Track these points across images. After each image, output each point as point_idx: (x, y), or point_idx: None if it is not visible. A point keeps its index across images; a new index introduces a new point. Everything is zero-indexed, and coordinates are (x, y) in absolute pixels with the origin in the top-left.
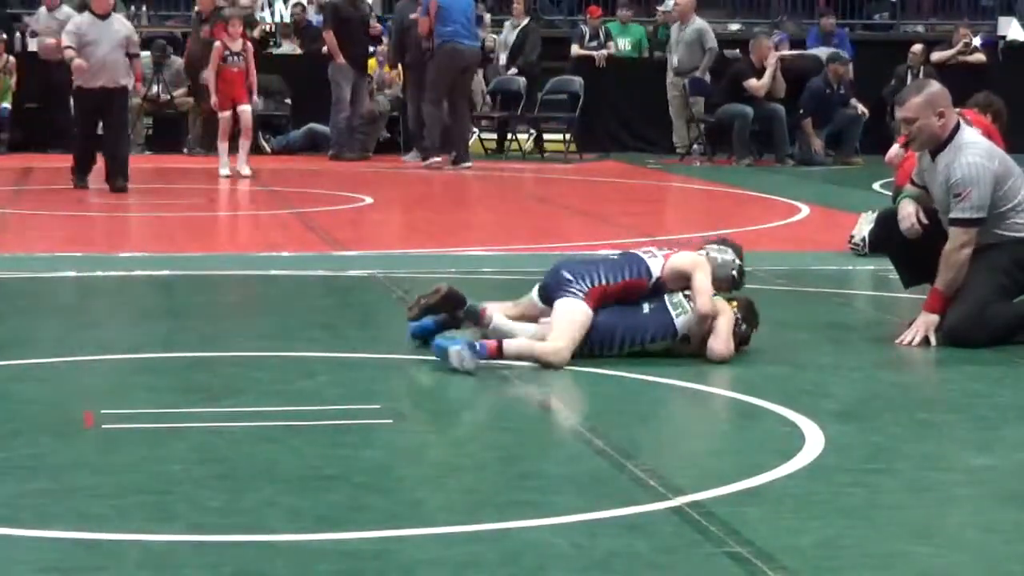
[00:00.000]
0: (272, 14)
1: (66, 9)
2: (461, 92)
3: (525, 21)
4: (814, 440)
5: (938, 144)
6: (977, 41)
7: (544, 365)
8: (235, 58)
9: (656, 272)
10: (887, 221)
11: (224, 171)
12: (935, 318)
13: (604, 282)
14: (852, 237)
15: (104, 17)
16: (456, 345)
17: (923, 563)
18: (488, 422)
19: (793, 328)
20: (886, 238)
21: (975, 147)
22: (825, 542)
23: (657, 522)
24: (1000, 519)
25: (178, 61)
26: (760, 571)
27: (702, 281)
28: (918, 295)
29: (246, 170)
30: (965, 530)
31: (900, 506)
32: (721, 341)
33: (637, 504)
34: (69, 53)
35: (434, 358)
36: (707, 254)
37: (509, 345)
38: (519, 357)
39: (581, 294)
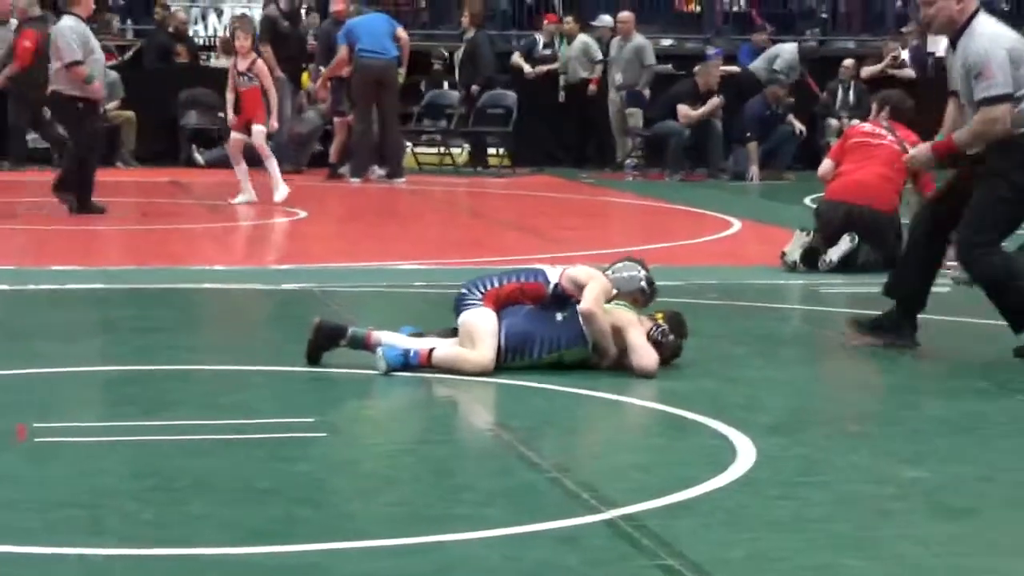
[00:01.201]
0: (206, 28)
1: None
2: (388, 107)
3: (473, 32)
4: (746, 453)
5: (955, 29)
6: (905, 55)
7: (469, 374)
8: (242, 78)
9: (553, 279)
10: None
11: (243, 196)
12: (931, 157)
13: (497, 285)
14: (784, 254)
15: (89, 22)
16: (383, 349)
17: None
18: (422, 435)
19: (725, 341)
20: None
21: (989, 28)
22: (756, 555)
23: (589, 535)
24: (931, 531)
25: (112, 74)
26: None
27: (591, 288)
28: (856, 309)
29: (280, 194)
30: (896, 543)
31: (830, 519)
32: (643, 356)
33: (569, 517)
34: (84, 71)
35: (369, 372)
36: (612, 274)
37: (438, 353)
38: (446, 364)
39: (479, 302)
